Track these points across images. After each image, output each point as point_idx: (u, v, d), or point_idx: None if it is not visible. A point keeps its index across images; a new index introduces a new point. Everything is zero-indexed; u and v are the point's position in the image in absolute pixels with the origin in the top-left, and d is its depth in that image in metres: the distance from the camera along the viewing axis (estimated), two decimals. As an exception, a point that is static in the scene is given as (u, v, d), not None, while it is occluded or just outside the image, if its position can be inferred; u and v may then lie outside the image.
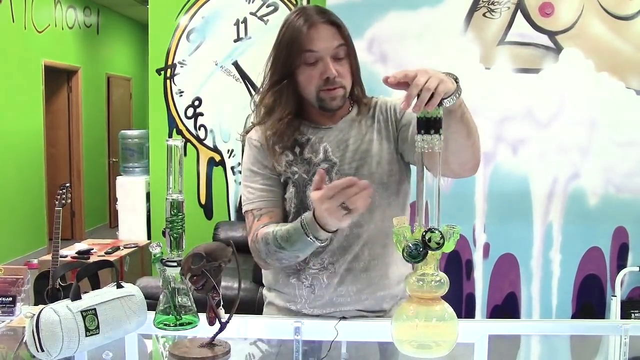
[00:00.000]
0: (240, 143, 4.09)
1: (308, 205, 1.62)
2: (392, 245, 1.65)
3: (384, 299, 1.67)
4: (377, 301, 1.66)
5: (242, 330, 1.58)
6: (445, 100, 1.27)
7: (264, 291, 1.78)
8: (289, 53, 1.58)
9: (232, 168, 4.75)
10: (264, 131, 1.66)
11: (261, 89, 1.68)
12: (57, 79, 7.52)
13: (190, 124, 4.75)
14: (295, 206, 1.64)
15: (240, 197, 1.69)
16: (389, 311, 1.69)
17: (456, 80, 1.32)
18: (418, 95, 1.23)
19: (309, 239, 1.47)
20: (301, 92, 1.63)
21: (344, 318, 1.63)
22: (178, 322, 1.45)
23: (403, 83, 1.25)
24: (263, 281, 1.78)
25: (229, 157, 4.75)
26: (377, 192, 1.62)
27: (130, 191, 5.51)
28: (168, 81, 4.76)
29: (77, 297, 1.34)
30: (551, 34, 3.37)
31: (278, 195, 1.66)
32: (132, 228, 5.43)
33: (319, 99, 1.60)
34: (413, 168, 1.72)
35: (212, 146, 4.76)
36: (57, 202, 3.74)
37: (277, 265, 1.62)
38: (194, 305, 1.47)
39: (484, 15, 3.38)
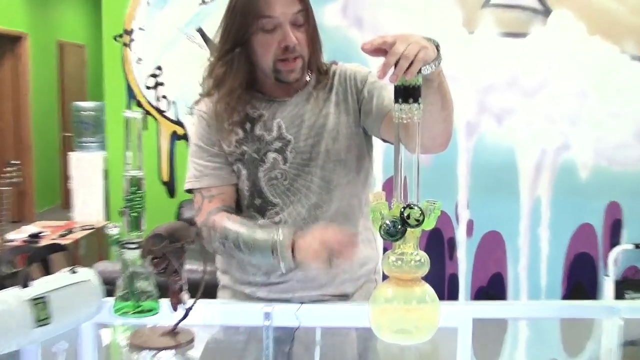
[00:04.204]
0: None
1: (261, 188, 1.64)
2: (353, 225, 1.68)
3: (345, 283, 1.69)
4: (337, 286, 1.68)
5: (207, 316, 1.58)
6: (424, 68, 1.27)
7: (218, 273, 1.80)
8: (243, 19, 1.56)
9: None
10: (214, 105, 1.65)
11: (210, 60, 1.66)
12: (1, 46, 7.40)
13: (150, 94, 4.70)
14: (249, 189, 1.65)
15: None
16: (351, 295, 1.71)
17: (437, 47, 1.32)
18: (396, 64, 1.23)
19: (273, 258, 1.51)
20: (256, 61, 1.61)
21: (302, 303, 1.65)
22: (138, 309, 1.45)
23: (381, 50, 1.25)
24: (217, 263, 1.79)
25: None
26: (335, 170, 1.63)
27: (86, 168, 5.45)
28: (126, 48, 4.70)
29: (26, 284, 1.33)
30: (539, -5, 3.38)
31: (228, 174, 1.66)
32: (87, 208, 5.38)
33: (275, 70, 1.59)
34: (376, 143, 1.73)
35: (174, 118, 4.72)
36: (3, 181, 3.70)
37: (222, 254, 1.66)
38: (156, 291, 1.47)
39: (467, -26, 3.38)
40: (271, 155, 1.63)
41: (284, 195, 1.63)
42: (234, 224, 1.58)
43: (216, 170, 1.65)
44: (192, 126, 1.70)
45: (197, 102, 1.71)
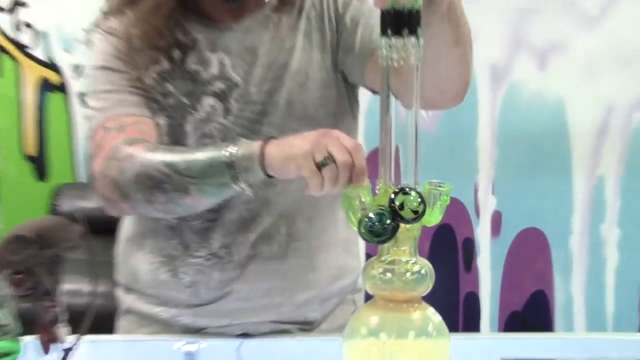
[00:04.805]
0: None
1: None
2: (324, 218, 1.71)
3: (309, 305, 1.73)
4: (298, 308, 1.72)
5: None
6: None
7: (120, 293, 1.82)
8: None
9: (82, 96, 4.68)
10: (126, 28, 1.66)
11: None
12: None
13: (4, 21, 4.67)
14: None
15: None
16: (317, 324, 1.76)
17: None
18: None
19: (230, 177, 1.46)
20: None
21: (246, 335, 1.68)
22: (-10, 352, 1.46)
23: None
24: (117, 276, 1.80)
25: (77, 78, 4.69)
26: (299, 131, 1.62)
27: None
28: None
29: None
30: None
31: (148, 105, 1.67)
32: None
33: None
34: (364, 95, 1.75)
35: (45, 59, 4.69)
36: None
37: (143, 209, 1.60)
38: (16, 323, 1.47)
39: None
40: (207, 102, 1.65)
41: None
42: (163, 152, 1.55)
43: (131, 96, 1.66)
44: (95, 47, 1.71)
45: (99, 23, 1.73)
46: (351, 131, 1.75)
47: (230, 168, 1.45)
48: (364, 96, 1.77)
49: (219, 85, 1.65)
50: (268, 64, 1.67)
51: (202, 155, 1.49)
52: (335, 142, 1.36)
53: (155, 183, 1.52)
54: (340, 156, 1.34)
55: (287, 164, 1.41)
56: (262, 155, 1.43)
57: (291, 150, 1.41)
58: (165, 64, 1.66)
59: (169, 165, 1.50)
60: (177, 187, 1.51)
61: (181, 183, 1.50)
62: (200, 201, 1.55)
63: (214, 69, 1.66)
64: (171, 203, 1.55)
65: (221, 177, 1.47)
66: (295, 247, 1.69)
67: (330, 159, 1.35)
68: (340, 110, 1.71)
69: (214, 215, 1.63)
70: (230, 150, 1.46)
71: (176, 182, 1.50)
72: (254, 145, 1.45)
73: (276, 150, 1.43)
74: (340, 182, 1.35)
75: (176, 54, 1.66)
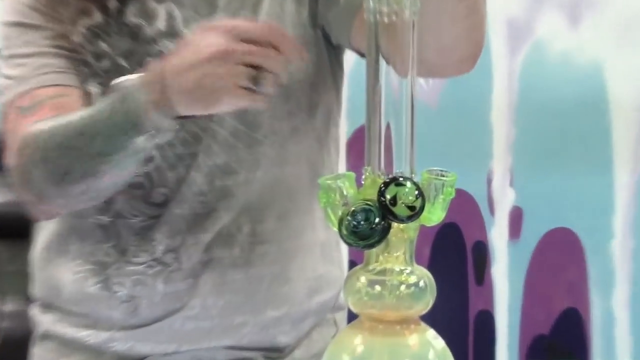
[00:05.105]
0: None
1: None
2: (299, 215, 1.71)
3: (278, 326, 1.74)
4: (265, 329, 1.73)
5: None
6: None
7: (35, 312, 1.81)
8: None
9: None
10: None
11: None
12: None
13: None
14: None
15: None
16: (289, 351, 1.77)
17: None
18: None
19: (135, 125, 1.47)
20: None
21: None
22: None
23: None
24: (32, 291, 1.80)
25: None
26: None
27: None
28: None
29: None
30: None
31: (73, 70, 1.68)
32: None
33: None
34: (350, 59, 1.76)
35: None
36: None
37: (66, 205, 1.63)
38: None
39: None
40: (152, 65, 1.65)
41: (167, 147, 1.65)
42: (63, 117, 1.57)
43: (55, 59, 1.66)
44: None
45: None
46: (333, 106, 1.75)
47: (130, 114, 1.46)
48: (346, 60, 1.78)
49: (166, 44, 1.65)
50: (229, 18, 1.65)
51: (98, 107, 1.52)
52: (237, 38, 1.37)
53: (62, 172, 1.53)
54: (261, 56, 1.37)
55: (204, 103, 1.43)
56: (161, 102, 1.44)
57: (196, 83, 1.40)
58: (97, 17, 1.65)
59: (67, 137, 1.52)
60: (86, 172, 1.52)
61: (87, 168, 1.52)
62: (121, 175, 1.56)
63: (161, 24, 1.66)
64: (91, 191, 1.56)
65: (123, 129, 1.47)
66: (261, 251, 1.69)
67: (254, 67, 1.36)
68: (319, 77, 1.71)
69: (158, 210, 1.63)
70: (121, 96, 1.48)
71: (81, 168, 1.52)
72: (149, 78, 1.47)
73: (178, 90, 1.42)
74: (280, 74, 1.38)
75: (112, 3, 1.66)
